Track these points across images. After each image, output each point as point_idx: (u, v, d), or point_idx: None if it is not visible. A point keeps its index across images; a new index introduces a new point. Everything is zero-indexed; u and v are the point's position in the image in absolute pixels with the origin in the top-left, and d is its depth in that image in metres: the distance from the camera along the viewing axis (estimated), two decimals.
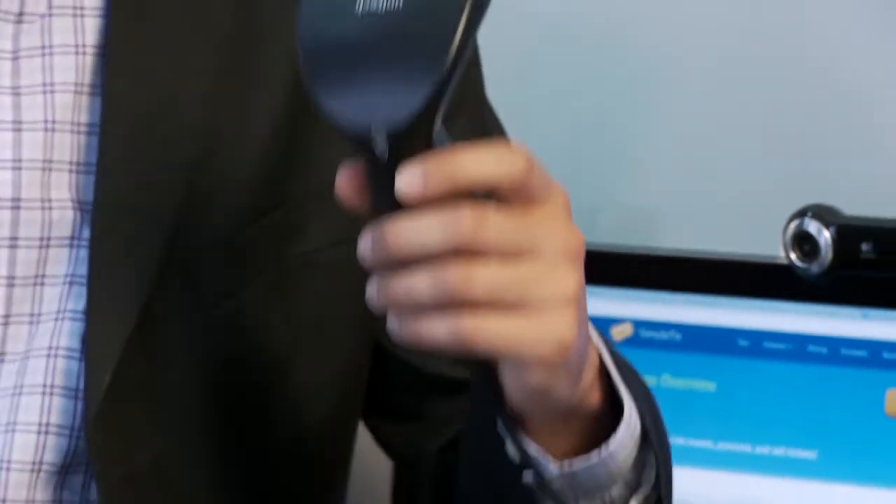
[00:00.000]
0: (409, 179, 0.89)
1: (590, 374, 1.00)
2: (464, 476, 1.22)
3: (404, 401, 1.27)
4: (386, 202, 0.89)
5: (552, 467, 1.01)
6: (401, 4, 0.92)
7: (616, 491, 1.06)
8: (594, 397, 1.00)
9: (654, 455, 1.07)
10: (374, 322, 1.20)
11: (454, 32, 0.90)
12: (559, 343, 0.93)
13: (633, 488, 1.06)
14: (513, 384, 0.97)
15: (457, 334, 0.90)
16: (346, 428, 1.30)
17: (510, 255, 0.91)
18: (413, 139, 0.89)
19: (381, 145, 0.89)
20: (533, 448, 1.00)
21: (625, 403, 1.04)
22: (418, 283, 0.90)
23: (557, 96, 1.84)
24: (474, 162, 0.91)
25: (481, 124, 1.30)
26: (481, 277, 0.90)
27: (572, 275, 0.94)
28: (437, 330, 0.90)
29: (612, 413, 1.03)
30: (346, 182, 0.95)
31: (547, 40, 1.83)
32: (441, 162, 0.91)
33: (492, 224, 0.90)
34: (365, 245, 0.92)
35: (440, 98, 0.90)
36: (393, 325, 0.92)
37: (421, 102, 0.89)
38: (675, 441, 1.25)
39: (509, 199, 0.91)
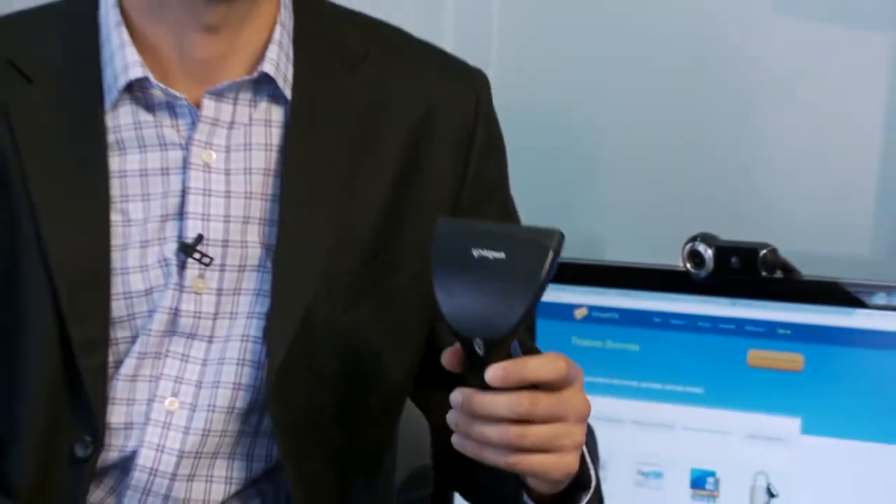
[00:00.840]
0: (494, 374, 1.24)
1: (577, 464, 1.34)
2: (483, 494, 1.56)
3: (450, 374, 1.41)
4: (475, 377, 1.24)
5: None
6: (503, 256, 1.25)
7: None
8: (575, 468, 1.34)
9: (597, 489, 1.40)
10: (433, 322, 1.52)
11: (536, 285, 1.23)
12: (568, 472, 1.31)
13: None
14: (532, 482, 1.34)
15: (506, 463, 1.27)
16: (406, 389, 1.59)
17: (549, 421, 1.26)
18: (500, 347, 1.23)
19: (479, 348, 1.24)
20: (528, 501, 1.37)
21: (592, 480, 1.39)
22: (489, 433, 1.26)
23: (533, 163, 2.06)
24: (535, 368, 1.27)
25: (506, 211, 1.61)
26: (530, 436, 1.26)
27: (582, 429, 1.31)
28: (494, 458, 1.28)
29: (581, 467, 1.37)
30: (450, 356, 1.30)
31: (527, 134, 2.09)
32: (515, 366, 1.25)
33: (540, 405, 1.25)
34: (456, 399, 1.28)
35: (519, 326, 1.24)
36: (457, 441, 1.30)
37: (509, 329, 1.23)
38: (614, 382, 1.86)
39: (553, 384, 1.26)
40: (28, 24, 1.53)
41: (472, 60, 1.63)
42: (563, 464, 1.31)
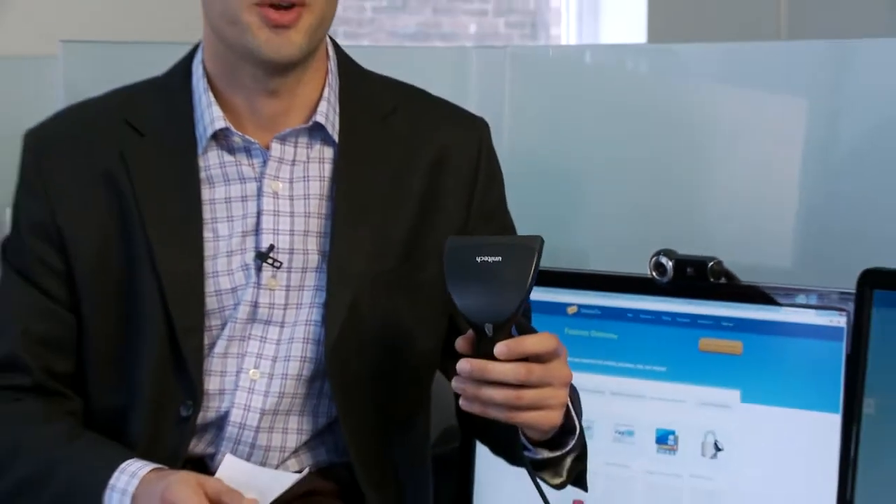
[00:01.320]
0: (501, 350, 1.32)
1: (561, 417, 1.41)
2: (496, 442, 1.60)
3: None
4: (485, 353, 1.32)
5: (536, 454, 1.44)
6: (500, 259, 1.32)
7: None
8: (559, 422, 1.41)
9: (580, 435, 1.47)
10: (452, 309, 1.51)
11: (527, 279, 1.30)
12: (553, 425, 1.39)
13: (567, 452, 1.47)
14: (525, 430, 1.40)
15: (506, 417, 1.35)
16: (434, 361, 1.64)
17: (540, 385, 1.34)
18: (504, 328, 1.31)
19: (487, 331, 1.31)
20: (528, 445, 1.43)
21: (576, 427, 1.44)
22: (495, 395, 1.34)
23: (534, 196, 2.20)
24: (532, 344, 1.34)
25: (504, 226, 1.66)
26: (526, 397, 1.34)
27: (565, 392, 1.38)
28: (496, 414, 1.36)
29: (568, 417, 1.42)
30: (463, 343, 1.36)
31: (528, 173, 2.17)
32: (517, 343, 1.33)
33: (535, 373, 1.33)
34: (465, 368, 1.33)
35: (519, 310, 1.30)
36: (465, 404, 1.36)
37: (511, 312, 1.30)
38: (597, 362, 1.91)
39: (544, 357, 1.34)
40: (138, 92, 1.60)
41: (490, 116, 1.69)
42: (549, 418, 1.38)
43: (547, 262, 1.68)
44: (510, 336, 1.33)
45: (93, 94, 1.64)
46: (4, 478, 1.50)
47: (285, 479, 1.48)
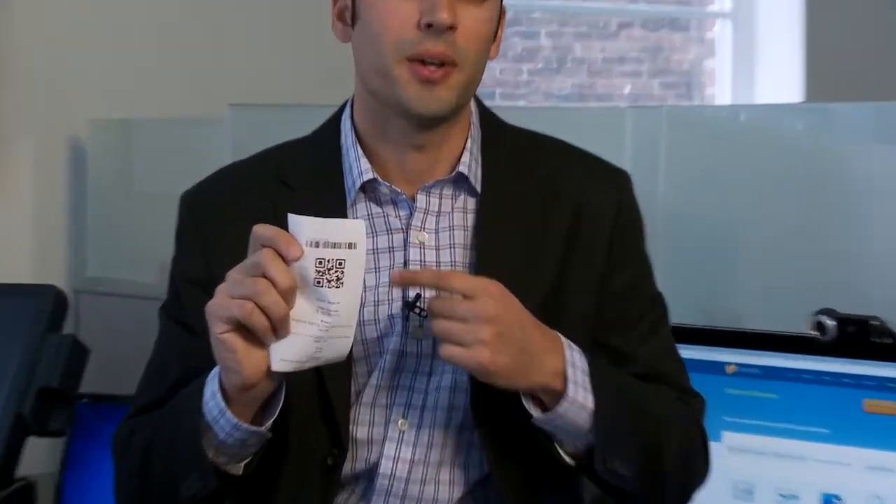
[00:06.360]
0: (393, 276, 1.28)
1: (547, 378, 1.25)
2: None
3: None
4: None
5: (537, 414, 1.28)
6: None
7: (581, 443, 1.30)
8: (558, 385, 1.26)
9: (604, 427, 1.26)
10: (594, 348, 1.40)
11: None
12: (478, 363, 1.22)
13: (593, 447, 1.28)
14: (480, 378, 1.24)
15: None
16: None
17: (451, 317, 1.23)
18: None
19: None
20: (531, 406, 1.28)
21: (568, 390, 1.28)
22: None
23: (688, 255, 1.95)
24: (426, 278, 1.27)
25: (640, 271, 1.45)
26: (435, 325, 1.23)
27: (485, 329, 1.23)
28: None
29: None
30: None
31: None
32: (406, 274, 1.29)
33: (435, 303, 1.24)
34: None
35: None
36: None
37: None
38: (759, 423, 1.62)
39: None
40: (290, 150, 1.49)
41: (644, 174, 1.57)
42: (473, 356, 1.25)
43: (702, 319, 1.81)
44: None
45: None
46: (135, 452, 1.43)
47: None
